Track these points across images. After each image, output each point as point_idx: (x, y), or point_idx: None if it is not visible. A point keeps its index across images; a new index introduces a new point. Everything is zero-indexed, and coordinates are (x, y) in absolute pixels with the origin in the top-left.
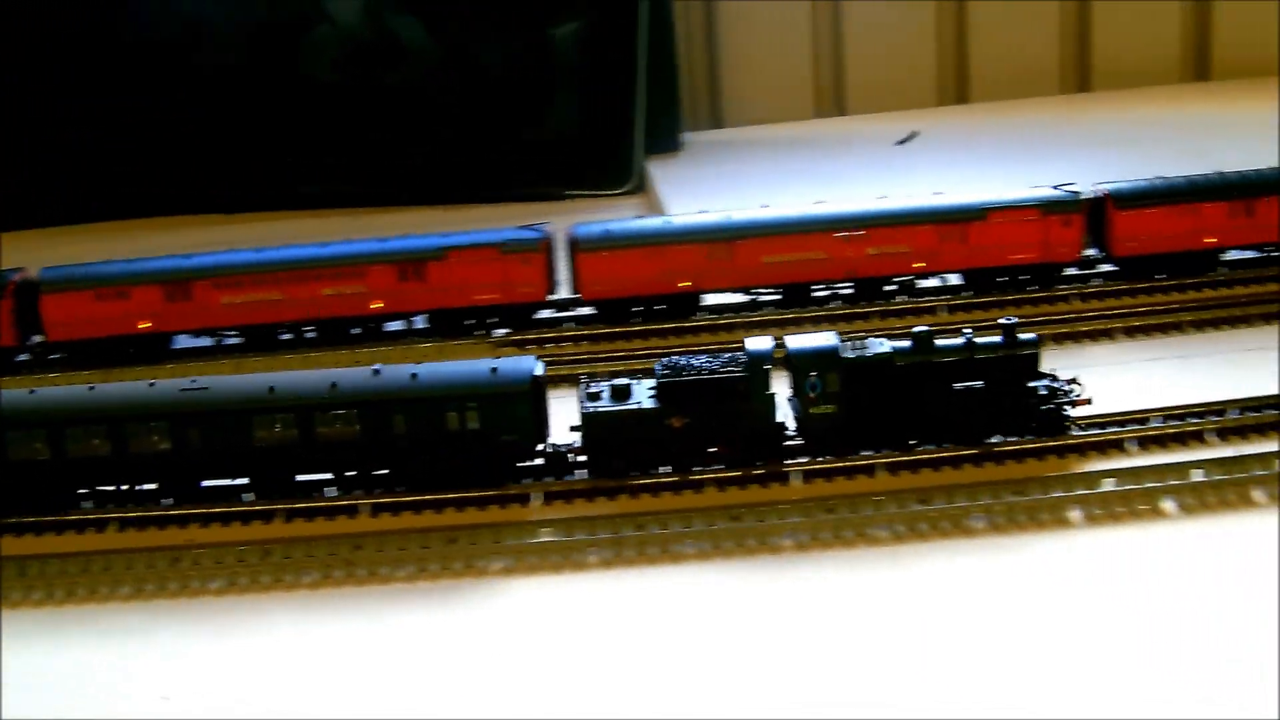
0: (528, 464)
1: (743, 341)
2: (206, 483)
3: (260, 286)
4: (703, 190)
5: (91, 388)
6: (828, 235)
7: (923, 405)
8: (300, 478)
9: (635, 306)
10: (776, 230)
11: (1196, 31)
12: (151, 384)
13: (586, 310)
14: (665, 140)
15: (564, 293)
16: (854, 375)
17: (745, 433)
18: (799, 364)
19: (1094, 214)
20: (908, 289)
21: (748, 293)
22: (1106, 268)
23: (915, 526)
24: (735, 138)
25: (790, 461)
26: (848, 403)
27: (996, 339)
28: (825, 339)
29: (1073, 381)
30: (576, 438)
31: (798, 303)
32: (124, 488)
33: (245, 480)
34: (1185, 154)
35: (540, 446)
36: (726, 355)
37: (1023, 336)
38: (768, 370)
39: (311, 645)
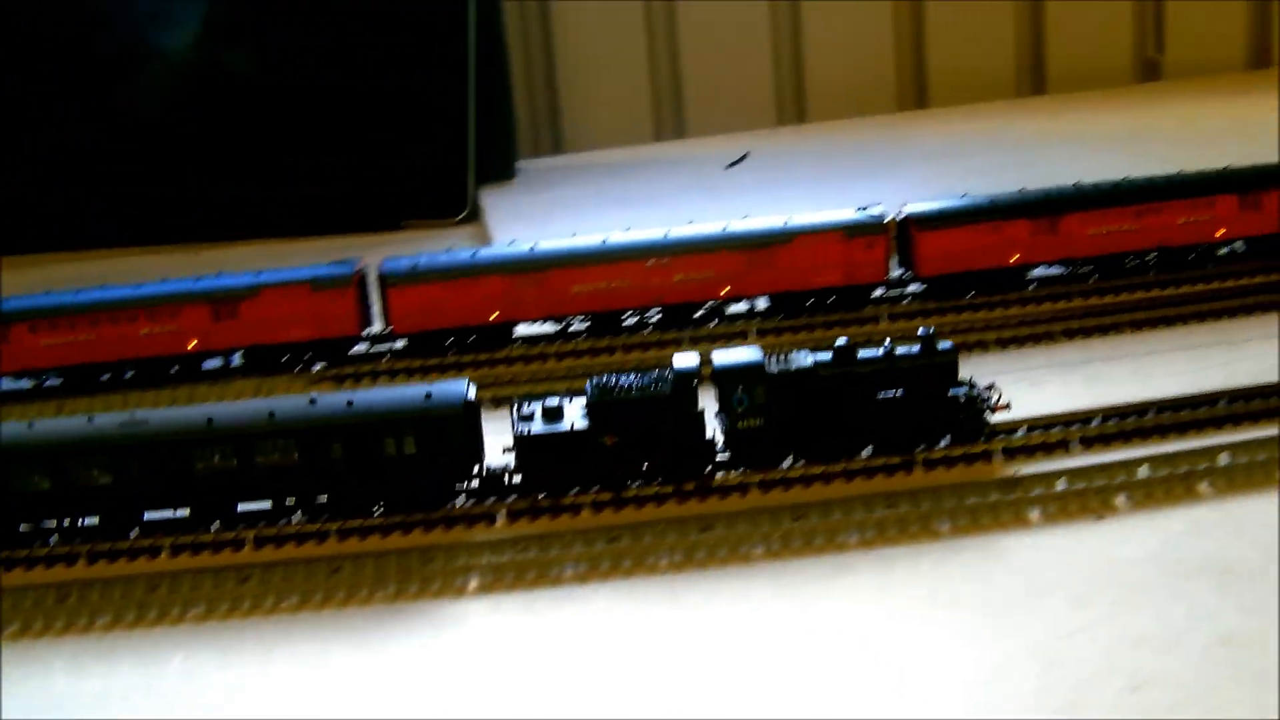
0: (464, 486)
1: (670, 359)
2: (149, 515)
3: (77, 328)
4: (532, 218)
5: (31, 424)
6: (635, 263)
7: (846, 415)
8: (241, 507)
9: (447, 339)
10: (584, 259)
11: (1032, 45)
12: (90, 419)
13: (400, 343)
14: (500, 168)
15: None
16: (779, 388)
17: (675, 448)
18: (725, 379)
19: (900, 235)
20: (717, 314)
21: (559, 321)
22: (915, 287)
23: (790, 542)
24: (573, 163)
25: (721, 475)
26: (774, 415)
27: (915, 348)
28: (750, 354)
29: (990, 388)
30: (511, 458)
31: (609, 331)
32: (66, 522)
33: (186, 511)
34: (1013, 168)
35: (476, 469)
36: (655, 373)
37: (941, 345)
38: (695, 386)
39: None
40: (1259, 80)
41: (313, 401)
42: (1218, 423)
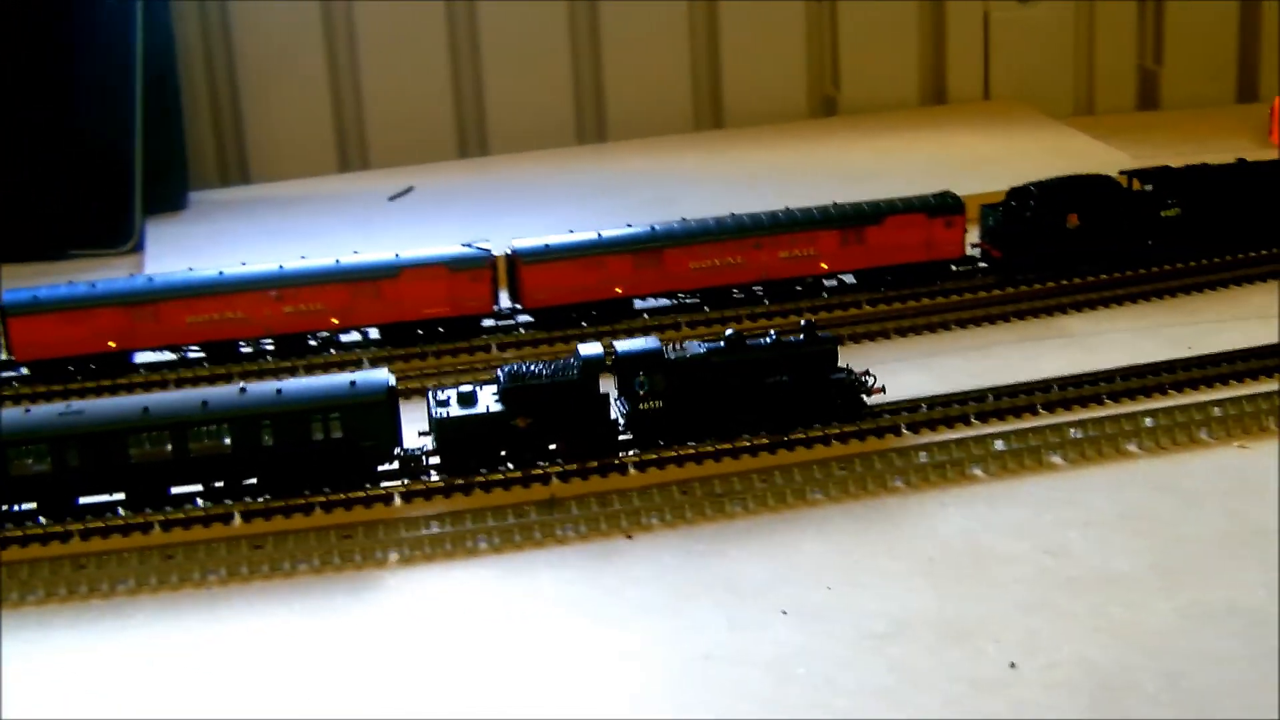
0: (386, 467)
1: (575, 347)
2: (84, 499)
3: None
4: (198, 250)
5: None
6: (251, 294)
7: (737, 399)
8: (174, 490)
9: (70, 366)
10: (198, 291)
11: (709, 81)
12: (28, 409)
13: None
14: (170, 198)
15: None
16: (676, 374)
17: (582, 430)
18: (627, 365)
19: (509, 269)
20: (330, 344)
21: (175, 351)
22: (524, 318)
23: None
24: (252, 195)
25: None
26: (671, 399)
27: (800, 337)
28: (650, 343)
29: (866, 373)
30: (427, 441)
31: (229, 359)
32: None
33: (121, 495)
34: (677, 201)
35: (397, 451)
36: (563, 360)
37: (822, 335)
38: (599, 372)
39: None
40: (934, 115)
41: (243, 390)
42: None
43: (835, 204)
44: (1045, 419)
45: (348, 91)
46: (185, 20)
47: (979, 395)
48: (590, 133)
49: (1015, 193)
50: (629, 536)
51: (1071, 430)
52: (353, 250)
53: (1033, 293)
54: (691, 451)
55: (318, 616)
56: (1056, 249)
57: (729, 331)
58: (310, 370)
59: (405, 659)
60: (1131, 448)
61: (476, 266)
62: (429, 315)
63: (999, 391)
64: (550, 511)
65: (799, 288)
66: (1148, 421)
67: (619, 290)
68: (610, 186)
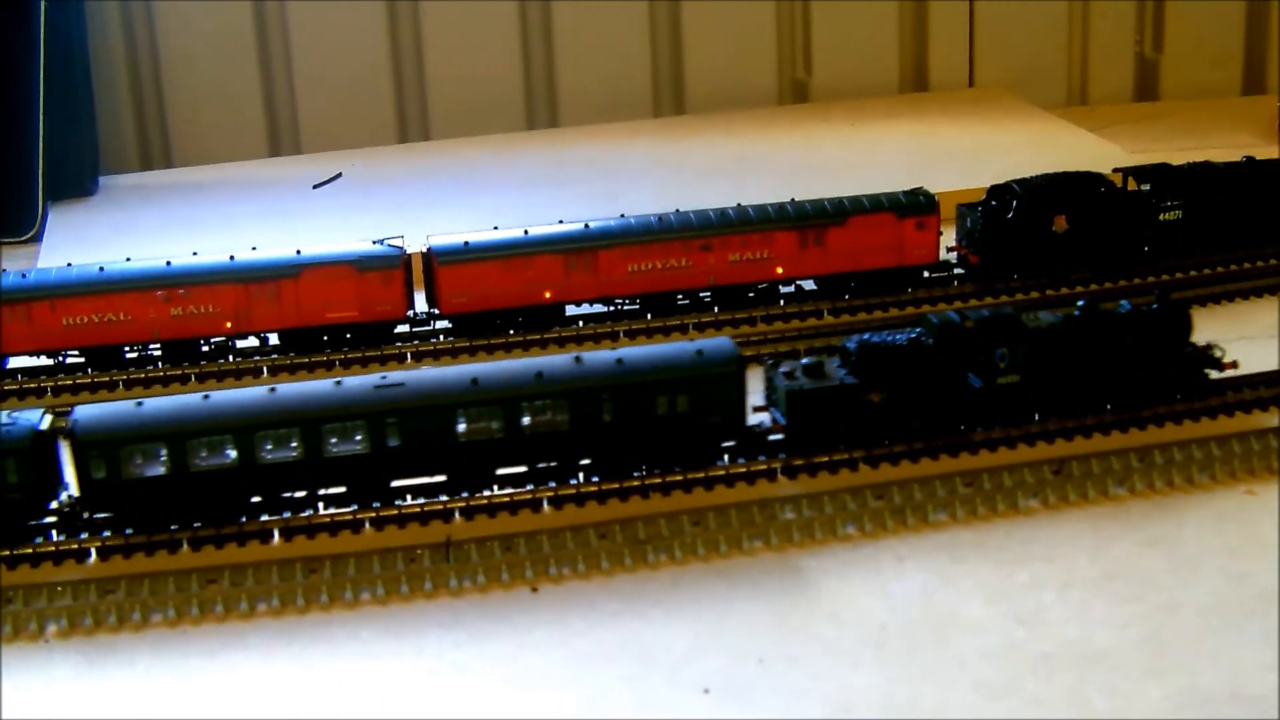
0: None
1: (924, 314)
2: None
3: None
4: (97, 240)
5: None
6: (135, 294)
7: (1093, 371)
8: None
9: None
10: (75, 290)
11: (671, 63)
12: (339, 382)
13: None
14: (78, 184)
15: None
16: (1038, 344)
17: (938, 404)
18: (984, 334)
19: (426, 270)
20: (225, 350)
21: (51, 356)
22: (442, 324)
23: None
24: (170, 180)
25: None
26: (1029, 372)
27: (1153, 306)
28: (1005, 310)
29: (1212, 346)
30: (764, 417)
31: (113, 365)
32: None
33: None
34: (602, 196)
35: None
36: (911, 330)
37: (1177, 302)
38: (957, 341)
39: None
40: (913, 103)
41: (578, 360)
42: None
43: (794, 201)
44: (1018, 455)
45: (279, 70)
46: None
47: None
48: (541, 117)
49: (996, 191)
50: (534, 589)
51: (1048, 469)
52: (251, 247)
53: (1014, 304)
54: (615, 488)
55: None
56: (1041, 255)
57: (1081, 302)
58: (202, 380)
59: None
60: (1120, 491)
61: (387, 267)
62: (334, 320)
63: None
64: (446, 557)
65: (751, 294)
66: (1137, 460)
67: (548, 295)
68: (555, 176)
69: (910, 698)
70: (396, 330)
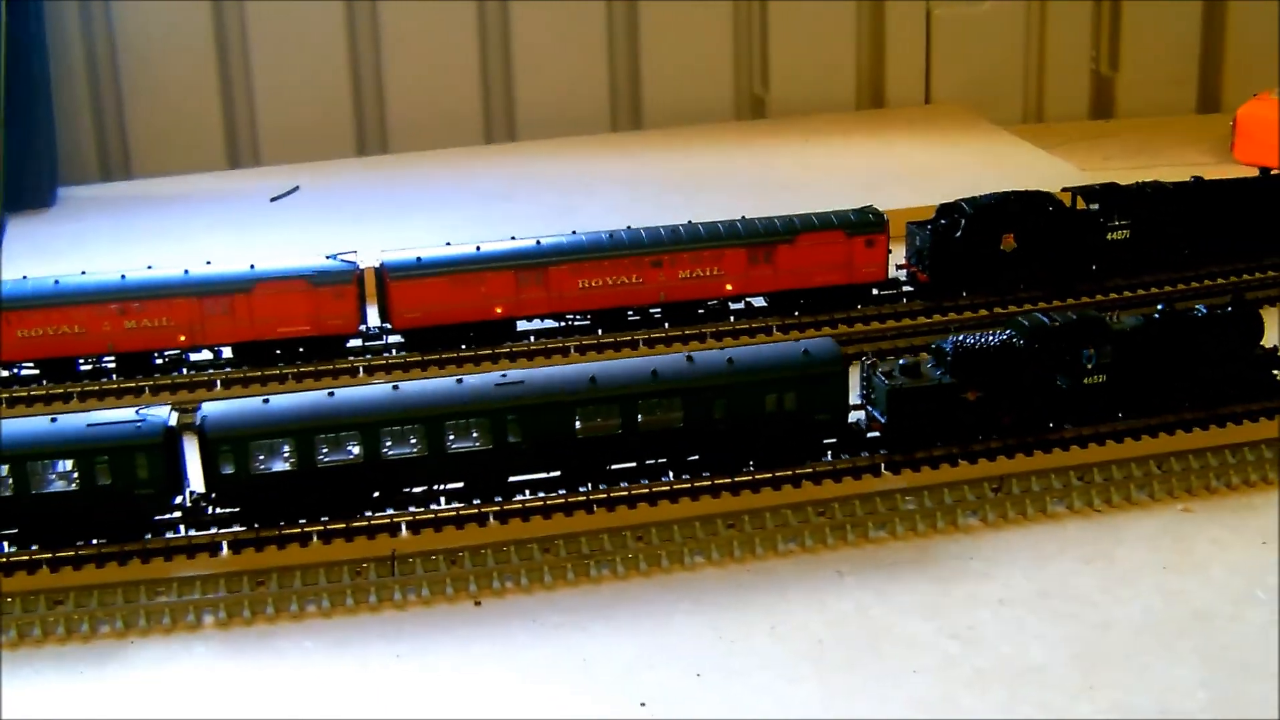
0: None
1: (1015, 316)
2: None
3: None
4: (55, 252)
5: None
6: (90, 307)
7: (1173, 372)
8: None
9: None
10: (30, 303)
11: (628, 78)
12: (460, 380)
13: None
14: (36, 195)
15: None
16: (1123, 345)
17: (1032, 402)
18: (1070, 336)
19: (378, 285)
20: (180, 363)
21: (6, 368)
22: (395, 339)
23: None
24: (128, 192)
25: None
26: (1114, 372)
27: (1228, 309)
28: (1091, 314)
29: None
30: (859, 415)
31: (67, 378)
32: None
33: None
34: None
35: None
36: (1001, 330)
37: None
38: (1048, 341)
39: None
40: (870, 120)
41: (690, 359)
42: None
43: (744, 219)
44: (959, 472)
45: (238, 82)
46: (63, 7)
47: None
48: (500, 131)
49: (945, 210)
50: (477, 603)
51: (989, 486)
52: (206, 260)
53: (962, 321)
54: (560, 501)
55: None
56: (989, 273)
57: (1160, 306)
58: (155, 392)
59: None
60: (1058, 508)
61: (340, 282)
62: (286, 334)
63: None
64: (391, 570)
65: (701, 310)
66: (1076, 478)
67: (499, 310)
68: (511, 191)
69: (844, 712)
70: (349, 345)
